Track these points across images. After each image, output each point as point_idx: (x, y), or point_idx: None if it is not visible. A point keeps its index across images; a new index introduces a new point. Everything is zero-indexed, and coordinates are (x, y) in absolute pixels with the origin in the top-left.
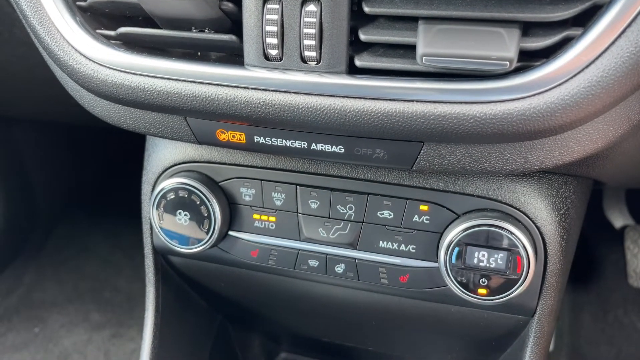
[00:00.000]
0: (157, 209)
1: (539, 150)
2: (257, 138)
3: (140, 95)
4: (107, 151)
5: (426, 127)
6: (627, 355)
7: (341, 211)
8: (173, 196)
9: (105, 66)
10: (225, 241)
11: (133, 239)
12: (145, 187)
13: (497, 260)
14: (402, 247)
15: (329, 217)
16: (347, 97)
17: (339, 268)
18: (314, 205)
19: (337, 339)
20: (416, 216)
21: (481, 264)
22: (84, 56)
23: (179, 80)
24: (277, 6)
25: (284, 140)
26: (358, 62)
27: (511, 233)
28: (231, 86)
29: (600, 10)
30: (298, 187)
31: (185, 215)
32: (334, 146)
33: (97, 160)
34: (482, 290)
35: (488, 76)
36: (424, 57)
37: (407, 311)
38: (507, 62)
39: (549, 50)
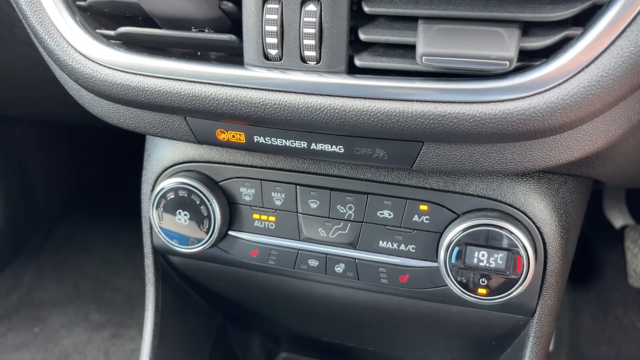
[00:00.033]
0: (157, 208)
1: (539, 150)
2: (256, 138)
3: (140, 95)
4: (107, 151)
5: (426, 126)
6: (627, 355)
7: (341, 211)
8: (173, 196)
9: (105, 66)
10: (225, 241)
11: (133, 238)
12: (145, 187)
13: (497, 260)
14: (402, 247)
15: (328, 217)
16: (347, 96)
17: (339, 268)
18: (313, 205)
19: (337, 339)
20: (416, 216)
21: (481, 263)
22: (84, 56)
23: (179, 80)
24: (276, 6)
25: (283, 140)
26: (358, 62)
27: (511, 233)
28: (231, 86)
29: (600, 10)
30: (298, 186)
31: (185, 215)
32: (334, 146)
33: (97, 160)
34: (482, 290)
35: (488, 76)
36: (423, 57)
37: (407, 311)
38: (507, 62)
39: (548, 50)
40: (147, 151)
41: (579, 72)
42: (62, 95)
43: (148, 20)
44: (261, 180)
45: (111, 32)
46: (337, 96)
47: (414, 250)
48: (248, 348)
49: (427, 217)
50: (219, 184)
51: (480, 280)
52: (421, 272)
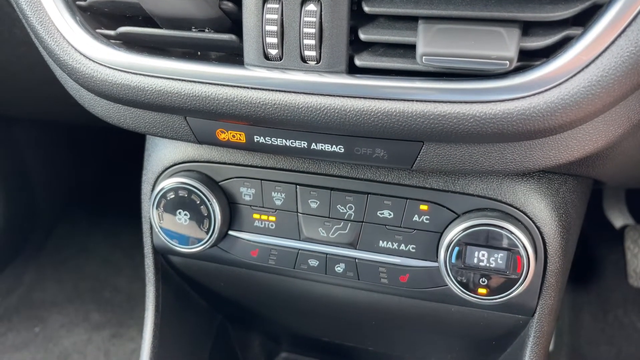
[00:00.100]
0: (157, 208)
1: (539, 149)
2: (257, 138)
3: (140, 95)
4: (107, 151)
5: (426, 126)
6: (627, 355)
7: (341, 211)
8: (173, 196)
9: (105, 66)
10: (225, 241)
11: (133, 238)
12: (145, 187)
13: (497, 259)
14: (402, 246)
15: (329, 217)
16: (347, 96)
17: (339, 268)
18: (313, 205)
19: (337, 338)
20: (416, 216)
21: (481, 263)
22: (84, 56)
23: (179, 79)
24: (277, 6)
25: (284, 140)
26: (358, 62)
27: (511, 233)
28: (231, 86)
29: (600, 9)
30: (298, 186)
31: (185, 214)
32: (334, 146)
33: (97, 160)
34: (482, 290)
35: (488, 76)
36: (423, 57)
37: (407, 311)
38: (507, 62)
39: (549, 50)
40: (147, 151)
41: (579, 72)
42: (62, 95)
43: (148, 20)
44: (261, 180)
45: (111, 32)
46: (337, 96)
47: (414, 250)
48: (248, 348)
49: (427, 217)
50: (219, 183)
51: (481, 280)
52: (421, 272)
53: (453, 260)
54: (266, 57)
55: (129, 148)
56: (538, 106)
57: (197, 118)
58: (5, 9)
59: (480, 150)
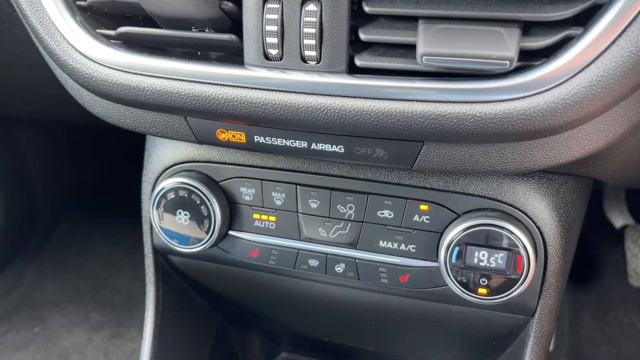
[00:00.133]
0: (157, 208)
1: (539, 149)
2: (257, 138)
3: (140, 95)
4: (107, 151)
5: (426, 126)
6: (627, 355)
7: (341, 211)
8: (173, 196)
9: (105, 66)
10: (225, 241)
11: (133, 238)
12: (145, 187)
13: (497, 259)
14: (402, 246)
15: (329, 217)
16: (347, 96)
17: (339, 268)
18: (314, 205)
19: (337, 338)
20: (416, 216)
21: (481, 263)
22: (84, 56)
23: (179, 79)
24: (277, 5)
25: (284, 140)
26: (358, 62)
27: (511, 233)
28: (231, 86)
29: (600, 9)
30: (298, 186)
31: (185, 214)
32: (334, 146)
33: (97, 159)
34: (482, 290)
35: (488, 76)
36: (424, 57)
37: (407, 311)
38: (507, 62)
39: (549, 50)
40: (148, 151)
41: (579, 72)
42: (62, 95)
43: (148, 20)
44: (261, 180)
45: (111, 32)
46: (337, 96)
47: (414, 250)
48: (248, 348)
49: (428, 217)
50: (219, 183)
51: (481, 280)
52: (421, 272)
53: (453, 260)
54: (266, 57)
55: (129, 148)
56: (538, 106)
57: (197, 118)
58: (5, 9)
59: (481, 150)
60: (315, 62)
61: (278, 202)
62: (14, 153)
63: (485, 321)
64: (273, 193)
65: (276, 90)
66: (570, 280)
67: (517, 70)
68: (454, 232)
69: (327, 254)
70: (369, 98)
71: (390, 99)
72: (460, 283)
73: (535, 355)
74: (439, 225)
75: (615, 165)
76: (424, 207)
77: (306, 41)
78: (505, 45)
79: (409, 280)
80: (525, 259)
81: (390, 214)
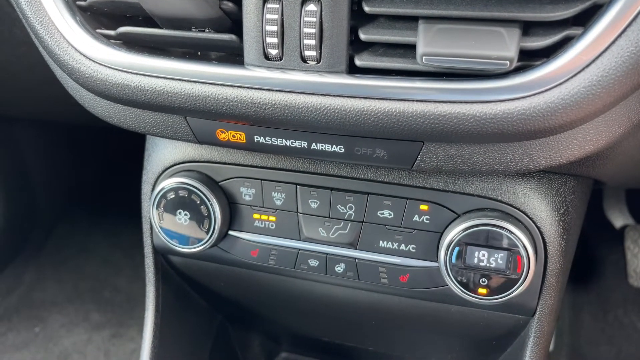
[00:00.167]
0: (157, 208)
1: (539, 149)
2: (257, 138)
3: (140, 95)
4: (107, 151)
5: (426, 126)
6: (627, 355)
7: (341, 211)
8: (173, 196)
9: (105, 66)
10: (225, 241)
11: (133, 238)
12: (145, 187)
13: (497, 259)
14: (402, 246)
15: (329, 217)
16: (347, 96)
17: (339, 268)
18: (314, 205)
19: (337, 338)
20: (416, 216)
21: (481, 263)
22: (84, 56)
23: (179, 79)
24: (277, 5)
25: (284, 140)
26: (358, 62)
27: (511, 233)
28: (231, 86)
29: (600, 9)
30: (298, 186)
31: (185, 214)
32: (334, 146)
33: (98, 159)
34: (482, 290)
35: (488, 76)
36: (424, 57)
37: (407, 311)
38: (507, 62)
39: (549, 50)
40: (148, 151)
41: (579, 72)
42: (62, 95)
43: (148, 20)
44: (261, 180)
45: (111, 32)
46: (337, 96)
47: (414, 250)
48: (248, 348)
49: (428, 217)
50: (219, 183)
51: (481, 280)
52: (421, 272)
53: (453, 260)
54: (266, 57)
55: (129, 148)
56: (538, 106)
57: (197, 118)
58: (5, 8)
59: (481, 150)
60: (315, 62)
61: (278, 202)
62: (14, 153)
63: (485, 321)
64: (273, 193)
65: (276, 90)
66: (570, 280)
67: (517, 70)
68: (454, 232)
69: (327, 254)
70: (369, 98)
71: (390, 99)
72: (460, 283)
73: (535, 355)
74: (439, 225)
75: (615, 165)
76: (424, 207)
77: (306, 41)
78: (505, 45)
79: (409, 280)
80: (525, 259)
81: (390, 214)
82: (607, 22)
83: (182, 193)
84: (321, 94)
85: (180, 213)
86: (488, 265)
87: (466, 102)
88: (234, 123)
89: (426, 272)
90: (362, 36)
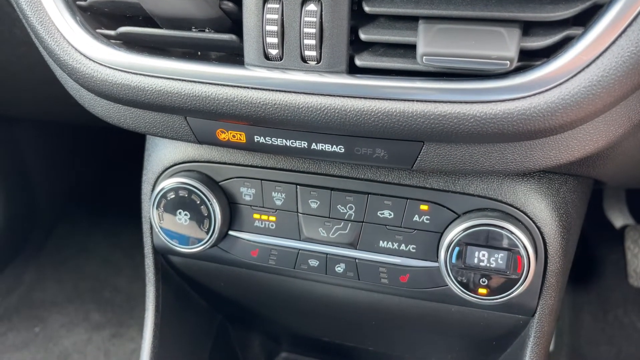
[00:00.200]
0: (157, 208)
1: (540, 149)
2: (257, 138)
3: (141, 95)
4: (107, 151)
5: (426, 126)
6: (627, 355)
7: (341, 211)
8: (173, 196)
9: (105, 66)
10: (226, 241)
11: (133, 238)
12: (146, 187)
13: (497, 260)
14: (402, 246)
15: (329, 217)
16: (348, 96)
17: (339, 268)
18: (314, 205)
19: (337, 338)
20: (416, 216)
21: (481, 263)
22: (84, 56)
23: (179, 79)
24: (277, 5)
25: (284, 140)
26: (358, 62)
27: (511, 233)
28: (231, 86)
29: (600, 9)
30: (298, 186)
31: (186, 215)
32: (334, 146)
33: (97, 160)
34: (482, 290)
35: (488, 76)
36: (424, 57)
37: (407, 311)
38: (508, 62)
39: (549, 50)
40: (148, 151)
41: (579, 72)
42: (62, 95)
43: (148, 20)
44: (261, 180)
45: (111, 32)
46: (337, 96)
47: (414, 250)
48: (248, 348)
49: (428, 217)
50: (220, 183)
51: (481, 280)
52: (421, 272)
53: (453, 260)
54: (266, 57)
55: (129, 148)
56: (538, 106)
57: (198, 118)
58: (5, 8)
59: (481, 151)
60: (316, 62)
61: (278, 202)
62: (14, 153)
63: (485, 321)
64: (273, 193)
65: (276, 90)
66: (570, 280)
67: (517, 70)
68: (454, 232)
69: (327, 254)
70: (369, 98)
71: (390, 99)
72: (461, 283)
73: (536, 355)
74: (439, 225)
75: (615, 165)
76: (424, 207)
77: (306, 41)
78: (505, 45)
79: (409, 281)
80: (525, 259)
81: (390, 214)
82: (607, 22)
83: (182, 193)
84: (321, 94)
85: (180, 213)
86: (488, 265)
87: (466, 102)
88: (234, 123)
89: (426, 272)
90: (362, 36)
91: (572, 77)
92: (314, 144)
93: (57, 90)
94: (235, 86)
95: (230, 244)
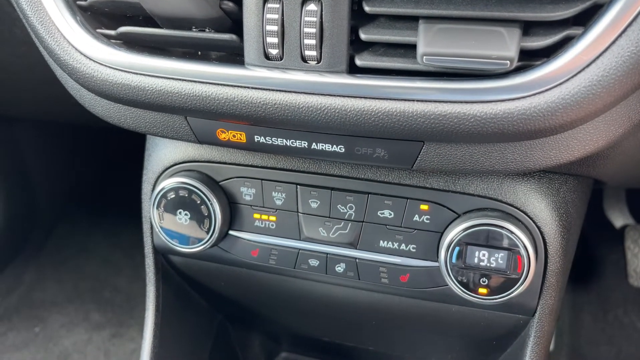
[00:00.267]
0: (157, 208)
1: (540, 149)
2: (257, 137)
3: (141, 95)
4: (107, 151)
5: (427, 126)
6: (627, 355)
7: (341, 211)
8: (173, 196)
9: (105, 65)
10: (226, 241)
11: (133, 238)
12: (146, 187)
13: (497, 259)
14: (403, 246)
15: (329, 217)
16: (348, 96)
17: (340, 267)
18: (314, 205)
19: (337, 338)
20: (416, 216)
21: (482, 263)
22: (85, 55)
23: (180, 79)
24: (277, 5)
25: (284, 140)
26: (358, 62)
27: (512, 232)
28: (232, 85)
29: (600, 9)
30: (298, 186)
31: (186, 214)
32: (335, 146)
33: (97, 160)
34: (482, 290)
35: (488, 75)
36: (424, 57)
37: (408, 311)
38: (508, 62)
39: (549, 50)
40: (148, 151)
41: (579, 72)
42: (63, 95)
43: (149, 19)
44: (262, 180)
45: (112, 32)
46: (337, 96)
47: (414, 250)
48: (248, 348)
49: (428, 216)
50: (220, 183)
51: (481, 279)
52: (422, 271)
53: (453, 260)
54: (267, 57)
55: (129, 148)
56: (539, 106)
57: (198, 118)
58: (5, 8)
59: (481, 150)
60: (316, 62)
61: (278, 202)
62: (14, 153)
63: (485, 321)
64: (273, 193)
65: (276, 90)
66: (570, 280)
67: (518, 70)
68: (455, 232)
69: (327, 253)
70: (370, 98)
71: (390, 99)
72: (461, 283)
73: (536, 355)
74: (439, 225)
75: (615, 165)
76: (424, 207)
77: (306, 41)
78: (505, 45)
79: (409, 280)
80: (525, 259)
81: (390, 214)
82: (607, 22)
83: (182, 193)
84: (321, 94)
85: (180, 213)
86: (488, 265)
87: (466, 102)
88: (235, 123)
89: (426, 272)
90: (363, 36)
91: (572, 77)
92: (314, 143)
93: (57, 90)
94: (235, 86)
95: (231, 244)
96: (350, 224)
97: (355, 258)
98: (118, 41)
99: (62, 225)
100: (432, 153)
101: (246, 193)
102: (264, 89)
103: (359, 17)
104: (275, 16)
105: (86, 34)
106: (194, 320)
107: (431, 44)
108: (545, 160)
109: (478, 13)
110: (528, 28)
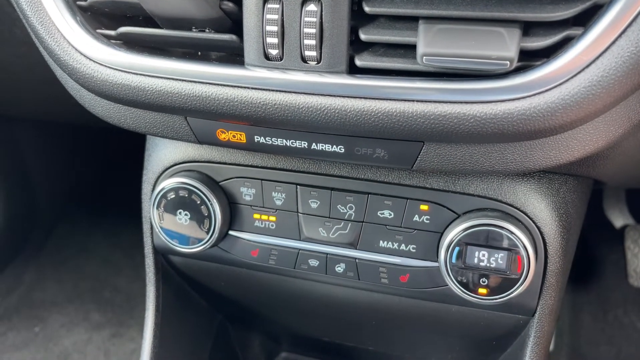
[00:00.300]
0: (157, 208)
1: (540, 150)
2: (257, 138)
3: (141, 95)
4: (107, 151)
5: (426, 126)
6: (627, 355)
7: (341, 211)
8: (173, 196)
9: (105, 66)
10: (226, 241)
11: (133, 238)
12: (146, 187)
13: (497, 259)
14: (403, 246)
15: (329, 217)
16: (348, 96)
17: (339, 268)
18: (314, 205)
19: (337, 338)
20: (416, 216)
21: (481, 263)
22: (85, 56)
23: (180, 80)
24: (277, 6)
25: (284, 140)
26: (358, 62)
27: (511, 233)
28: (232, 86)
29: (600, 9)
30: (298, 186)
31: (186, 214)
32: (334, 146)
33: (97, 160)
34: (482, 290)
35: (488, 76)
36: (424, 57)
37: (407, 311)
38: (508, 62)
39: (549, 50)
40: (148, 151)
41: (579, 72)
42: (63, 96)
43: (149, 20)
44: (262, 180)
45: (112, 32)
46: (337, 96)
47: (414, 250)
48: (248, 348)
49: (428, 217)
50: (220, 183)
51: (481, 280)
52: (421, 272)
53: (453, 260)
54: (267, 57)
55: (129, 148)
56: (538, 106)
57: (198, 118)
58: (5, 8)
59: (481, 151)
60: (316, 62)
61: (278, 202)
62: (14, 153)
63: (485, 321)
64: (273, 193)
65: (276, 91)
66: (570, 280)
67: (518, 71)
68: (454, 232)
69: (327, 254)
70: (369, 98)
71: (390, 99)
72: (461, 283)
73: (536, 355)
74: (439, 225)
75: (615, 165)
76: (424, 207)
77: (306, 41)
78: (505, 46)
79: (409, 280)
80: (525, 259)
81: (390, 214)
82: (607, 22)
83: (182, 193)
84: (321, 94)
85: (180, 213)
86: (488, 265)
87: (466, 103)
88: (234, 123)
89: (426, 272)
90: (363, 36)
91: (572, 77)
92: (314, 144)
93: (57, 91)
94: (235, 86)
95: (231, 244)
96: (350, 224)
97: (355, 258)
98: (118, 41)
99: (62, 225)
100: (432, 153)
101: (246, 193)
102: (263, 89)
103: (358, 18)
104: (275, 16)
105: (86, 34)
106: (194, 320)
107: (431, 45)
108: (545, 160)
109: (478, 13)
110: (528, 28)
